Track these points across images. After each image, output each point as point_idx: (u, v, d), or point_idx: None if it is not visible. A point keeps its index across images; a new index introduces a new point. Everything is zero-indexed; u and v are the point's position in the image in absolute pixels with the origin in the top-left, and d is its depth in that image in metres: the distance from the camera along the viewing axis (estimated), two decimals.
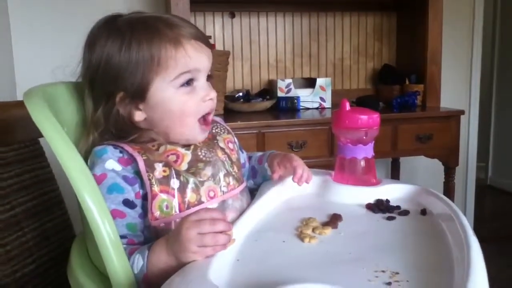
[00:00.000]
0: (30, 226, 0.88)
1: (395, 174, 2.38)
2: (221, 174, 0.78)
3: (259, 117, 1.80)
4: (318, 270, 0.60)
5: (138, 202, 0.71)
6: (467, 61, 2.47)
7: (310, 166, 0.91)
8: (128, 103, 0.74)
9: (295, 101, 2.01)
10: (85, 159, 0.70)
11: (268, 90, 2.10)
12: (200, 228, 0.61)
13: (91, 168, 0.70)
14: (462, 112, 1.96)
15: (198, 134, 0.78)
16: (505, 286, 1.95)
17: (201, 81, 0.76)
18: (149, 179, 0.69)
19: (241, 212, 0.77)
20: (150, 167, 0.70)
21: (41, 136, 0.62)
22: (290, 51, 2.19)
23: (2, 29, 1.83)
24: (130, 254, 0.65)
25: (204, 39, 0.77)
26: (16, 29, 1.87)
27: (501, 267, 2.09)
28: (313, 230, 0.72)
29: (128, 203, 0.70)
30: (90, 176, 0.64)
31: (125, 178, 0.70)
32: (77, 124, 0.77)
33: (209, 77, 0.79)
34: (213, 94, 0.77)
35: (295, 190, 0.91)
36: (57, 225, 0.96)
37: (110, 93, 0.74)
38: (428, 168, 2.33)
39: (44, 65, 1.82)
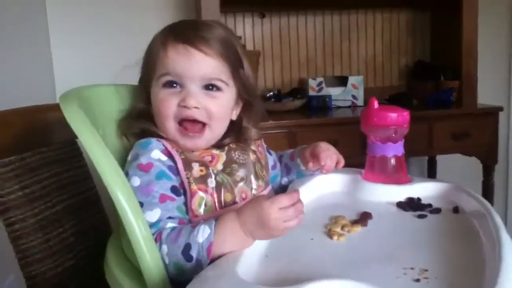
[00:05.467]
0: (70, 223, 0.92)
1: (431, 173, 2.33)
2: (252, 177, 0.80)
3: (290, 117, 1.81)
4: (345, 267, 0.60)
5: (182, 192, 0.72)
6: (505, 54, 2.38)
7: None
8: (144, 98, 0.80)
9: (327, 99, 1.99)
10: None
11: (299, 89, 2.10)
12: (285, 213, 0.62)
13: (136, 159, 0.72)
14: (501, 108, 1.90)
15: (179, 139, 0.76)
16: None
17: (189, 88, 0.74)
18: (187, 178, 0.71)
19: None
20: (188, 166, 0.73)
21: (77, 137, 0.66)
22: (321, 49, 2.18)
23: (41, 32, 1.91)
24: (192, 227, 0.65)
25: (205, 46, 0.73)
26: (54, 32, 1.95)
27: None
28: (342, 227, 0.73)
29: (175, 190, 0.71)
30: (123, 177, 0.66)
31: (170, 168, 0.72)
32: (115, 126, 0.80)
33: (216, 88, 0.76)
34: (190, 102, 0.73)
35: (325, 188, 0.91)
36: (94, 222, 1.00)
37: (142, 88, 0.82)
38: (466, 166, 2.26)
39: (82, 67, 1.92)
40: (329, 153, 0.88)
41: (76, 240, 0.92)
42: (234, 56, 0.78)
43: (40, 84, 1.86)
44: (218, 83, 0.76)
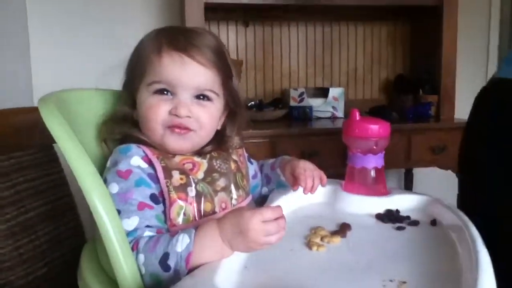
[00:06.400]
0: (43, 230, 0.90)
1: (408, 185, 2.36)
2: (233, 186, 0.79)
3: (271, 126, 1.81)
4: (324, 278, 0.60)
5: (161, 200, 0.71)
6: (483, 71, 2.44)
7: None
8: (130, 103, 0.78)
9: (308, 110, 2.01)
10: None
11: (281, 99, 2.11)
12: (266, 227, 0.61)
13: (115, 165, 0.70)
14: None
15: (166, 138, 0.74)
16: None
17: (181, 97, 0.74)
18: (167, 186, 0.70)
19: None
20: (168, 174, 0.71)
21: (56, 141, 0.64)
22: (303, 60, 2.20)
23: (20, 34, 1.87)
24: (171, 236, 0.64)
25: (200, 56, 0.73)
26: (34, 34, 1.91)
27: None
28: (322, 238, 0.73)
29: (154, 198, 0.70)
30: (102, 183, 0.65)
31: (150, 176, 0.71)
32: (96, 130, 0.78)
33: (207, 98, 0.76)
34: (183, 112, 0.73)
35: (304, 199, 0.91)
36: (69, 230, 0.97)
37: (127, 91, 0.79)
38: (442, 179, 2.30)
39: (61, 71, 1.89)
40: (308, 173, 0.86)
41: (49, 247, 0.90)
42: (225, 66, 0.78)
43: (18, 87, 1.82)
44: (210, 94, 0.76)
